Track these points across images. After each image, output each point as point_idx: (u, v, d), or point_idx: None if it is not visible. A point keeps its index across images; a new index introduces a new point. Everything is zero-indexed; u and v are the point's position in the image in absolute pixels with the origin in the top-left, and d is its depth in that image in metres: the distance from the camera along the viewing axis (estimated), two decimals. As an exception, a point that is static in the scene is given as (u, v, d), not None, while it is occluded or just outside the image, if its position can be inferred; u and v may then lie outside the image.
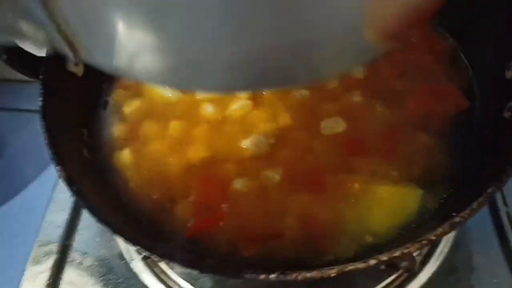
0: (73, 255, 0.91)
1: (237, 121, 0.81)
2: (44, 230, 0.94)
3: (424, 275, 0.84)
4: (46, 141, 0.67)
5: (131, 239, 0.59)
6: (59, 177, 0.64)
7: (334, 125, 0.78)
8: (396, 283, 0.84)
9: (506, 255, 0.85)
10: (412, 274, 0.85)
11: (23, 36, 0.35)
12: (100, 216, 0.61)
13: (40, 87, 0.73)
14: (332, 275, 0.55)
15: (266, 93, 0.82)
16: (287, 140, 0.77)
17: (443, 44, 0.86)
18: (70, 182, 0.64)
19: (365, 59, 0.38)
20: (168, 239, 0.69)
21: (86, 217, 0.95)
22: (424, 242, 0.56)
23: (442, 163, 0.74)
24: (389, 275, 0.85)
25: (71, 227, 0.94)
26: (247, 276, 0.56)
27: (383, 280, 0.85)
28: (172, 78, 0.36)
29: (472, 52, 0.83)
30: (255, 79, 0.35)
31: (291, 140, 0.77)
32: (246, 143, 0.77)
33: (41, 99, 0.72)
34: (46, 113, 0.70)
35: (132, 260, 0.89)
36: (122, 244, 0.91)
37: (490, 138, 0.71)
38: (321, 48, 0.33)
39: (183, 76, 0.35)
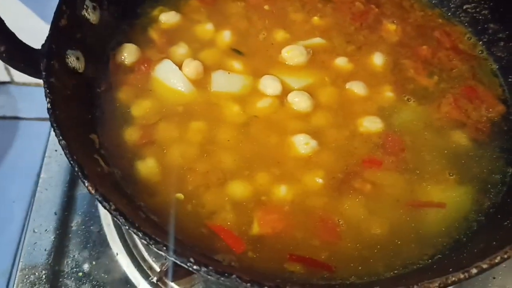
0: (67, 283, 0.78)
1: (265, 121, 0.73)
2: (27, 255, 0.79)
3: None
4: (67, 153, 0.55)
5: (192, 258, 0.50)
6: (94, 195, 0.53)
7: (372, 124, 0.73)
8: None
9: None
10: None
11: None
12: (151, 236, 0.51)
13: (44, 86, 0.60)
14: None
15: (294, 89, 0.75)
16: (324, 140, 0.71)
17: (465, 42, 0.85)
18: (105, 198, 0.53)
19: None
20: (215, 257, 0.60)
21: (76, 237, 0.82)
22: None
23: (491, 165, 0.72)
24: None
25: (60, 250, 0.81)
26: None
27: None
28: None
29: (497, 51, 0.82)
30: None
31: (329, 140, 0.71)
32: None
33: (48, 101, 0.59)
34: (57, 119, 0.58)
35: (139, 284, 0.78)
36: (125, 266, 0.79)
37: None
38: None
39: None
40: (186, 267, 0.50)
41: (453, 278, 0.50)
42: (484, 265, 0.51)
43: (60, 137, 0.56)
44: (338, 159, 0.69)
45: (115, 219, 0.53)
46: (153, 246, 0.51)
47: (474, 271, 0.51)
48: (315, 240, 0.63)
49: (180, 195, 0.65)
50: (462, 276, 0.50)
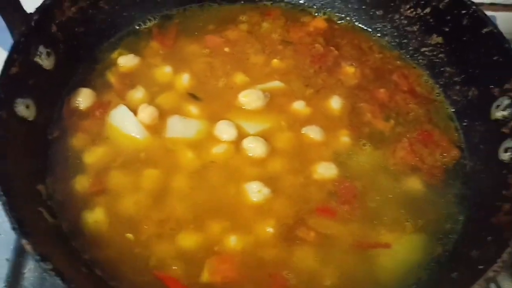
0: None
1: (219, 168, 0.72)
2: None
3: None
4: (7, 211, 0.54)
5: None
6: (31, 254, 0.52)
7: (327, 170, 0.73)
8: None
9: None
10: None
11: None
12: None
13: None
14: None
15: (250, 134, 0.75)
16: (278, 187, 0.71)
17: (423, 84, 0.86)
18: (44, 257, 0.52)
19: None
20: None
21: (29, 284, 0.80)
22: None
23: (444, 211, 0.72)
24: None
25: None
26: None
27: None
28: None
29: (453, 94, 0.83)
30: None
31: (283, 187, 0.71)
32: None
33: (-9, 153, 0.58)
34: (1, 174, 0.57)
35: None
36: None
37: (493, 183, 0.70)
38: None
39: None
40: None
41: None
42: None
43: (1, 193, 0.55)
44: (290, 208, 0.69)
45: (52, 278, 0.51)
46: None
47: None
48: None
49: (130, 236, 0.65)
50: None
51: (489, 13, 1.28)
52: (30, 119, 0.69)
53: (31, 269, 0.81)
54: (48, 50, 0.74)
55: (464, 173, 0.76)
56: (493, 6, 1.28)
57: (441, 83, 0.85)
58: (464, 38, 0.80)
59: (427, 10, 0.85)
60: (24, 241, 0.53)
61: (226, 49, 0.87)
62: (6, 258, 0.80)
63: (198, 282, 0.62)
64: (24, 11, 0.71)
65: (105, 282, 0.60)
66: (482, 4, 1.26)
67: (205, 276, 0.62)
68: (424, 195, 0.73)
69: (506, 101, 0.71)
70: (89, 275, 0.60)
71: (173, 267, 0.63)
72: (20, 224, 0.54)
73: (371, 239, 0.68)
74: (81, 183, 0.69)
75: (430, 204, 0.72)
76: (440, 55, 0.85)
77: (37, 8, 0.72)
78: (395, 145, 0.77)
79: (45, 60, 0.73)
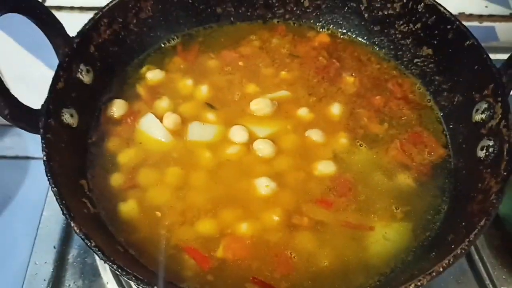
0: (64, 311, 0.89)
1: (233, 166, 0.84)
2: (28, 284, 0.90)
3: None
4: (57, 199, 0.67)
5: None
6: (77, 233, 0.64)
7: (326, 168, 0.84)
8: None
9: (476, 279, 0.94)
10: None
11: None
12: (123, 269, 0.62)
13: (42, 141, 0.72)
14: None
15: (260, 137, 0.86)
16: (284, 182, 0.82)
17: (416, 92, 0.96)
18: (87, 237, 0.64)
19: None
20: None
21: (72, 268, 0.93)
22: (434, 274, 0.62)
23: (429, 203, 0.82)
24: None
25: (57, 280, 0.92)
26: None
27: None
28: None
29: (442, 100, 0.93)
30: None
31: (288, 182, 0.82)
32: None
33: (44, 154, 0.71)
34: (51, 170, 0.70)
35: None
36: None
37: (471, 177, 0.79)
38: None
39: None
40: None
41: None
42: (397, 292, 0.61)
43: (53, 185, 0.68)
44: (294, 199, 0.80)
45: (95, 253, 0.64)
46: (124, 276, 0.62)
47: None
48: (274, 272, 0.73)
49: (158, 213, 0.78)
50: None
51: (488, 24, 1.38)
52: (74, 126, 0.82)
53: (74, 255, 0.94)
54: (88, 67, 0.86)
55: (448, 170, 0.85)
56: (492, 17, 1.36)
57: (431, 90, 0.95)
58: (450, 50, 0.90)
59: (418, 25, 0.94)
60: (72, 224, 0.65)
61: (240, 63, 0.99)
62: (54, 246, 0.94)
63: (214, 256, 0.74)
64: (68, 35, 0.83)
65: (136, 259, 0.72)
66: (481, 15, 1.35)
67: (220, 252, 0.74)
68: (412, 189, 0.83)
69: (484, 105, 0.81)
70: (124, 253, 0.72)
71: (194, 244, 0.75)
72: (68, 210, 0.66)
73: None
74: (116, 180, 0.82)
75: (417, 197, 0.82)
76: (430, 65, 0.95)
77: (78, 32, 0.84)
78: (388, 146, 0.87)
79: (85, 76, 0.86)
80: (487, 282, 0.93)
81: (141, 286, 0.61)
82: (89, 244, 0.64)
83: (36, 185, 1.30)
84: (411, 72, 0.99)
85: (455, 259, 0.64)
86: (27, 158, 1.36)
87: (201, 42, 1.03)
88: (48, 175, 0.69)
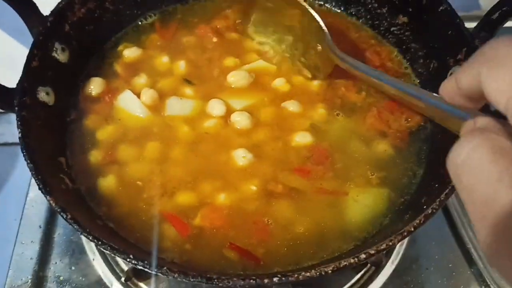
0: (50, 286, 0.90)
1: (211, 139, 0.85)
2: (15, 263, 0.92)
3: (389, 267, 0.93)
4: (33, 174, 0.68)
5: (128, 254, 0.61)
6: (52, 207, 0.65)
7: (303, 138, 0.84)
8: (365, 277, 0.92)
9: (458, 243, 0.95)
10: (378, 267, 0.93)
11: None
12: (99, 240, 0.63)
13: (17, 119, 0.73)
14: (329, 271, 0.60)
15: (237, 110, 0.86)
16: (261, 153, 0.82)
17: (394, 60, 0.96)
18: (63, 210, 0.65)
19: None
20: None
21: (58, 246, 0.95)
22: (405, 233, 0.63)
23: (405, 168, 0.83)
24: (358, 271, 0.93)
25: (44, 258, 0.93)
26: (250, 282, 0.61)
27: (353, 277, 0.93)
28: None
29: (418, 67, 0.93)
30: None
31: (265, 153, 0.83)
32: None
33: (19, 131, 0.72)
34: (27, 146, 0.70)
35: (112, 284, 0.90)
36: (100, 270, 0.91)
37: (446, 141, 0.79)
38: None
39: None
40: (129, 263, 0.62)
41: (344, 263, 0.61)
42: (371, 251, 0.62)
43: (28, 161, 0.69)
44: (271, 169, 0.81)
45: (71, 226, 0.65)
46: (101, 247, 0.63)
47: (362, 256, 0.62)
48: (251, 238, 0.75)
49: (140, 183, 0.79)
50: (352, 260, 0.61)
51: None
52: (50, 104, 0.82)
53: (60, 234, 0.96)
54: (63, 46, 0.86)
55: (425, 135, 0.86)
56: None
57: (408, 58, 0.95)
58: (425, 17, 0.90)
59: (394, -7, 0.95)
60: (48, 198, 0.66)
61: (219, 38, 0.99)
62: (39, 225, 0.95)
63: (191, 224, 0.75)
64: (41, 13, 0.83)
65: (116, 232, 0.73)
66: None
67: (197, 221, 0.75)
68: (389, 155, 0.84)
69: (457, 70, 0.81)
70: (103, 226, 0.73)
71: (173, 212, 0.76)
72: (44, 185, 0.67)
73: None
74: (95, 156, 0.82)
75: (394, 163, 0.83)
76: (407, 33, 0.95)
77: (51, 11, 0.84)
78: (366, 114, 0.88)
79: (60, 55, 0.86)
80: (469, 245, 0.94)
81: (117, 256, 0.62)
82: (64, 216, 0.65)
83: (26, 170, 1.31)
84: (388, 40, 0.99)
85: (426, 218, 0.65)
86: (17, 144, 1.36)
87: (180, 19, 1.03)
88: (24, 151, 0.70)
